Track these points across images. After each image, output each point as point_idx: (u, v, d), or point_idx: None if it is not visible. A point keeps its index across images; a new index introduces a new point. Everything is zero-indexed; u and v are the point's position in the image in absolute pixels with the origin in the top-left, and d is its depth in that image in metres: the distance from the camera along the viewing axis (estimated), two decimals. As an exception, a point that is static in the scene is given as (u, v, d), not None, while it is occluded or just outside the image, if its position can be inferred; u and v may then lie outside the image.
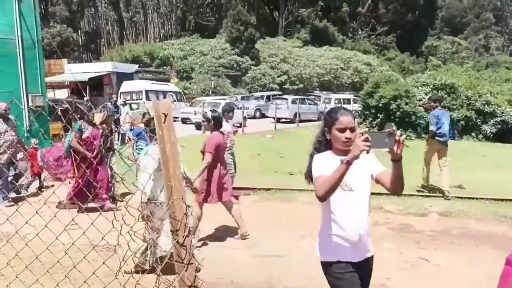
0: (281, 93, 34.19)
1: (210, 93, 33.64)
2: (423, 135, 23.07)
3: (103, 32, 64.68)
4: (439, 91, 21.85)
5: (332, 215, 2.47)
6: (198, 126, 20.14)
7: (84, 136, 6.96)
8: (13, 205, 6.80)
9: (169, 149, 1.85)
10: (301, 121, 25.06)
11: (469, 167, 10.80)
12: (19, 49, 10.83)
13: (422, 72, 33.88)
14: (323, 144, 2.55)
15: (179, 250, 1.74)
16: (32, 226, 2.35)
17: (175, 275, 1.73)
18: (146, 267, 3.65)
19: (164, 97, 24.87)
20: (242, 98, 30.75)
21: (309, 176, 2.59)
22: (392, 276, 4.48)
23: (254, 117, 27.29)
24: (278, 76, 41.33)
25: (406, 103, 21.11)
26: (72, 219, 2.14)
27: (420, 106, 21.76)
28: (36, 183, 8.51)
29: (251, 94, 34.28)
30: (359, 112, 26.70)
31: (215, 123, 5.37)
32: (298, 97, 28.51)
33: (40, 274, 2.56)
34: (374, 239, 5.57)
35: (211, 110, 5.67)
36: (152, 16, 68.33)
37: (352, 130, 2.40)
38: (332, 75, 45.73)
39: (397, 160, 2.21)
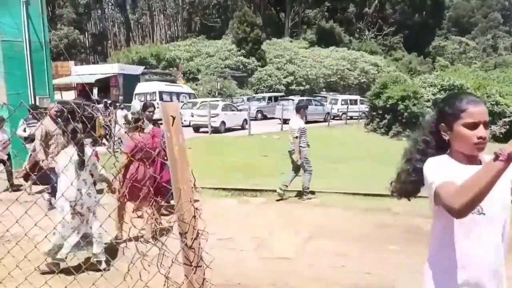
0: (283, 94, 34.02)
1: (216, 95, 33.68)
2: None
3: (109, 34, 65.04)
4: (447, 92, 21.74)
5: (448, 244, 1.81)
6: (196, 129, 20.04)
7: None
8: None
9: (177, 152, 1.85)
10: (308, 122, 24.94)
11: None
12: (26, 51, 10.90)
13: (429, 73, 33.78)
14: (431, 145, 1.92)
15: (188, 252, 1.74)
16: (41, 228, 2.36)
17: (184, 278, 1.73)
18: (62, 265, 3.75)
19: (178, 99, 25.01)
20: (248, 99, 30.76)
21: (405, 189, 2.05)
22: (399, 278, 4.45)
23: (255, 119, 26.61)
24: (284, 77, 41.27)
25: (414, 104, 21.03)
26: (82, 221, 2.14)
27: (428, 107, 21.67)
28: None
29: (253, 95, 34.17)
30: (366, 113, 26.64)
31: (135, 126, 5.58)
32: (304, 98, 28.43)
33: (49, 276, 2.57)
34: (382, 241, 5.57)
35: (131, 113, 6.29)
36: (158, 17, 68.62)
37: (486, 125, 1.73)
38: (339, 76, 45.60)
39: None
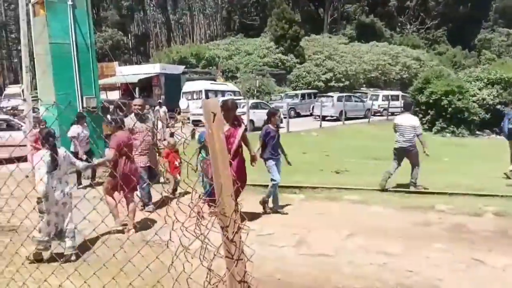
0: (316, 91, 33.54)
1: (255, 92, 33.79)
2: (477, 132, 22.20)
3: (151, 34, 66.51)
4: (494, 86, 20.91)
5: None
6: None
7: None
8: (153, 210, 6.42)
9: (218, 147, 1.89)
10: (347, 118, 24.68)
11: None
12: (74, 53, 11.30)
13: (475, 67, 32.54)
14: None
15: (229, 246, 1.78)
16: (90, 222, 2.47)
17: (226, 270, 1.77)
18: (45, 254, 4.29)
19: (223, 96, 25.36)
20: (290, 97, 30.67)
21: None
22: (444, 277, 4.35)
23: (289, 116, 26.39)
24: (323, 74, 40.83)
25: (459, 99, 20.34)
26: (127, 215, 2.23)
27: (473, 102, 20.92)
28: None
29: (286, 93, 33.87)
30: (408, 109, 25.93)
31: (116, 125, 6.25)
32: (344, 94, 28.05)
33: (96, 267, 2.69)
34: (425, 239, 5.44)
35: (111, 113, 6.72)
36: (198, 17, 69.49)
37: None
38: (380, 71, 44.64)
39: None
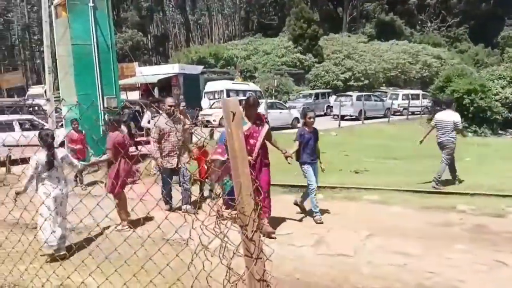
0: (330, 90, 33.22)
1: (273, 92, 33.78)
2: (500, 131, 21.75)
3: (170, 35, 67.09)
4: (518, 84, 20.46)
5: None
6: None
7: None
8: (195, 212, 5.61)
9: (238, 146, 1.90)
10: (367, 118, 24.46)
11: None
12: (95, 54, 11.49)
13: (498, 65, 31.85)
14: None
15: (248, 244, 1.79)
16: (111, 219, 2.51)
17: (245, 269, 1.78)
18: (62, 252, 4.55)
19: (244, 96, 25.50)
20: (304, 96, 30.57)
21: None
22: (466, 278, 4.28)
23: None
24: (342, 73, 40.53)
25: (481, 98, 19.96)
26: (147, 213, 2.26)
27: (496, 100, 20.51)
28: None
29: (299, 92, 33.75)
30: (429, 108, 25.61)
31: (112, 126, 6.50)
32: (363, 93, 27.79)
33: (118, 265, 2.74)
34: (446, 240, 5.36)
35: (108, 114, 6.86)
36: (216, 17, 69.79)
37: None
38: (400, 70, 44.08)
39: None
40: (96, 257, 2.78)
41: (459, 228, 5.98)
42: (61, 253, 4.68)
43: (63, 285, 3.15)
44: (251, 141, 5.49)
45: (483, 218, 6.33)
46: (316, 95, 30.09)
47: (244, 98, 7.64)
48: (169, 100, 7.11)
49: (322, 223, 6.25)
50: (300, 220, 6.53)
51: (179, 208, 6.56)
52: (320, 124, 21.00)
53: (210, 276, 1.88)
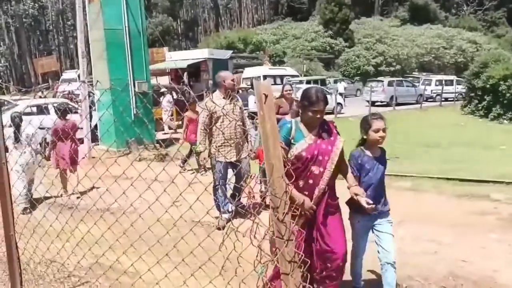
0: (325, 77, 31.30)
1: (302, 77, 33.55)
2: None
3: (200, 20, 67.27)
4: (559, 70, 19.59)
5: None
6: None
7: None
8: (229, 221, 5.10)
9: (269, 128, 1.90)
10: (398, 104, 24.00)
11: None
12: (126, 39, 11.63)
13: (538, 49, 30.56)
14: None
15: (280, 226, 1.80)
16: (145, 200, 2.57)
17: (276, 250, 1.79)
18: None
19: (282, 81, 25.43)
20: (335, 82, 30.17)
21: None
22: (500, 268, 4.18)
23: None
24: (373, 58, 39.85)
25: (519, 84, 19.20)
26: (180, 194, 2.30)
27: (535, 86, 19.68)
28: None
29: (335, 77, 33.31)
30: (463, 94, 24.89)
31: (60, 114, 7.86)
32: (395, 79, 27.22)
33: (151, 244, 2.81)
34: (479, 228, 5.24)
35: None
36: (246, 1, 69.38)
37: None
38: (433, 55, 42.99)
39: None
40: (129, 236, 2.85)
41: (494, 217, 5.83)
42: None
43: (98, 263, 3.25)
44: (314, 168, 3.14)
45: (519, 207, 6.15)
46: (316, 82, 26.63)
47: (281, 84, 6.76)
48: (227, 74, 5.61)
49: None
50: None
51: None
52: (348, 109, 20.81)
53: (241, 257, 1.90)
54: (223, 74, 5.52)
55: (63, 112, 7.86)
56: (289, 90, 7.06)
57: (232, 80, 5.46)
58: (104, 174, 2.74)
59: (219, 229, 4.89)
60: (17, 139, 6.60)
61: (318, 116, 3.11)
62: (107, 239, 2.92)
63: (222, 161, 5.34)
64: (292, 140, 3.13)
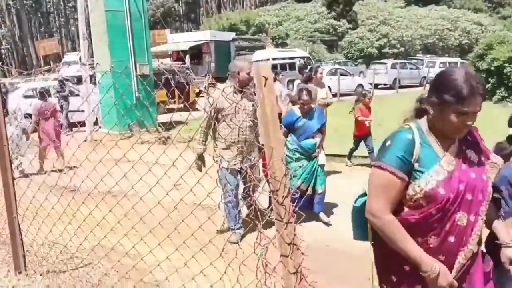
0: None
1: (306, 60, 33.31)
2: (542, 102, 20.81)
3: (202, 1, 66.51)
4: None
5: None
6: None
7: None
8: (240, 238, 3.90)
9: (269, 111, 1.89)
10: (401, 86, 23.85)
11: None
12: (127, 21, 11.54)
13: (544, 31, 30.19)
14: None
15: (279, 209, 1.80)
16: (146, 183, 2.57)
17: (275, 233, 1.80)
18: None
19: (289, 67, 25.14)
20: (338, 64, 29.99)
21: None
22: None
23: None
24: (377, 40, 39.43)
25: (524, 66, 19.05)
26: (181, 177, 2.30)
27: (540, 69, 19.51)
28: None
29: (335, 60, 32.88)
30: (467, 76, 24.65)
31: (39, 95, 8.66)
32: (398, 61, 27.00)
33: (152, 227, 2.83)
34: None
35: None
36: (248, -18, 68.54)
37: None
38: (437, 37, 42.50)
39: None
40: (131, 219, 2.87)
41: None
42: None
43: (100, 245, 3.28)
44: (460, 216, 1.81)
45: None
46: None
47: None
48: (245, 66, 4.59)
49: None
50: (332, 189, 6.52)
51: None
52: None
53: (242, 239, 1.91)
54: (239, 64, 4.65)
55: (41, 94, 8.58)
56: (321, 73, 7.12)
57: (248, 73, 4.47)
58: (104, 157, 2.75)
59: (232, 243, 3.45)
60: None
61: (470, 122, 1.84)
62: (109, 222, 2.94)
63: (227, 168, 4.40)
64: (416, 165, 1.86)
